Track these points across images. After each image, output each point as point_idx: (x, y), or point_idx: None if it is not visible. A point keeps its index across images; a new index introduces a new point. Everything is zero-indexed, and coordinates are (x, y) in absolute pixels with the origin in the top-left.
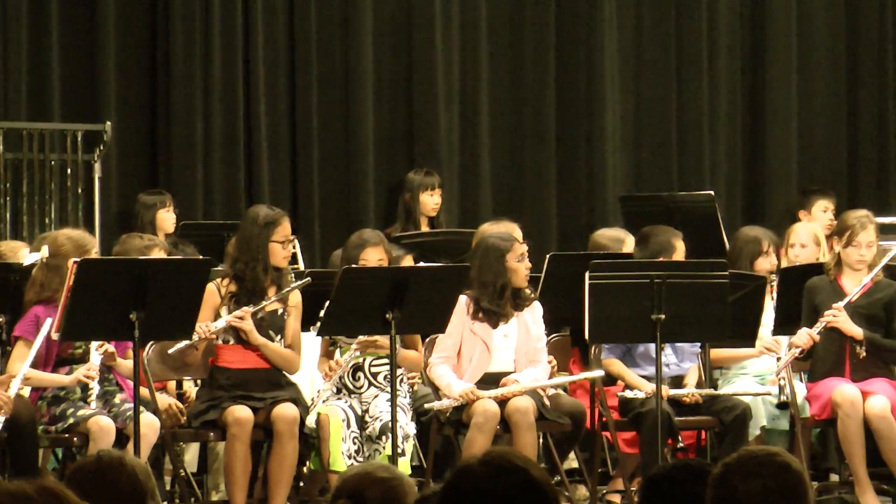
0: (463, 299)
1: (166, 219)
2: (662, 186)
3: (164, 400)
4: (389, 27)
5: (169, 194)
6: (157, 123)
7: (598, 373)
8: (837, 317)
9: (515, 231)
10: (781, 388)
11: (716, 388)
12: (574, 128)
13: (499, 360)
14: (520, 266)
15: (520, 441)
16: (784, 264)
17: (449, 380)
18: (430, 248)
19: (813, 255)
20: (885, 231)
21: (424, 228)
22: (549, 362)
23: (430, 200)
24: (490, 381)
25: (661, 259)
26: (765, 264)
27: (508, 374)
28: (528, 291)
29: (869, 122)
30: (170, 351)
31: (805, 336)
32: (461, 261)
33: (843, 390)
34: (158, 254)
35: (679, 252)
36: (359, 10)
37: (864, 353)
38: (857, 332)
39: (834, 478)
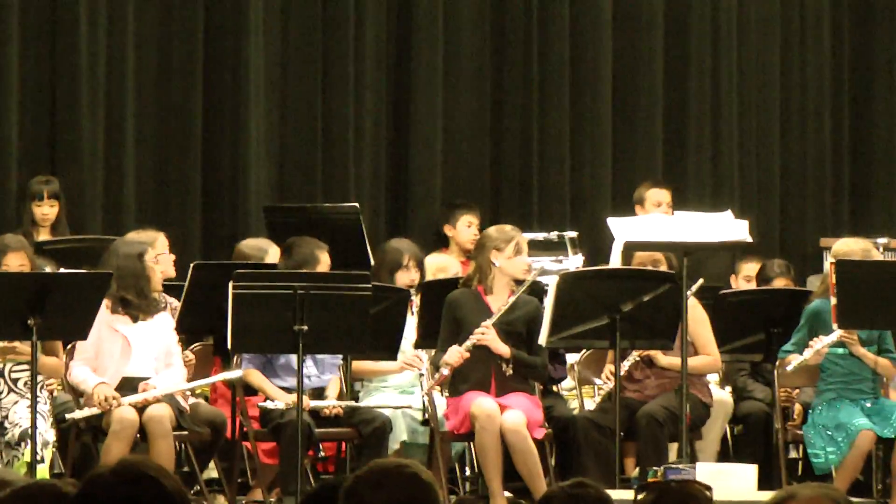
0: (104, 303)
1: None
2: (307, 198)
3: None
4: (34, 32)
5: None
6: None
7: (236, 373)
8: (486, 335)
9: (161, 239)
10: (426, 405)
11: (357, 400)
12: (219, 136)
13: (138, 358)
14: (156, 268)
15: (156, 449)
16: None
17: (85, 376)
18: (73, 255)
19: None
20: (528, 247)
21: (44, 237)
22: (187, 363)
23: (38, 211)
24: (129, 386)
25: (304, 270)
26: (404, 278)
27: (147, 378)
28: (161, 298)
29: (512, 138)
30: None
31: (456, 354)
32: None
33: (480, 404)
34: None
35: (323, 264)
36: (4, 14)
37: (511, 371)
38: (504, 350)
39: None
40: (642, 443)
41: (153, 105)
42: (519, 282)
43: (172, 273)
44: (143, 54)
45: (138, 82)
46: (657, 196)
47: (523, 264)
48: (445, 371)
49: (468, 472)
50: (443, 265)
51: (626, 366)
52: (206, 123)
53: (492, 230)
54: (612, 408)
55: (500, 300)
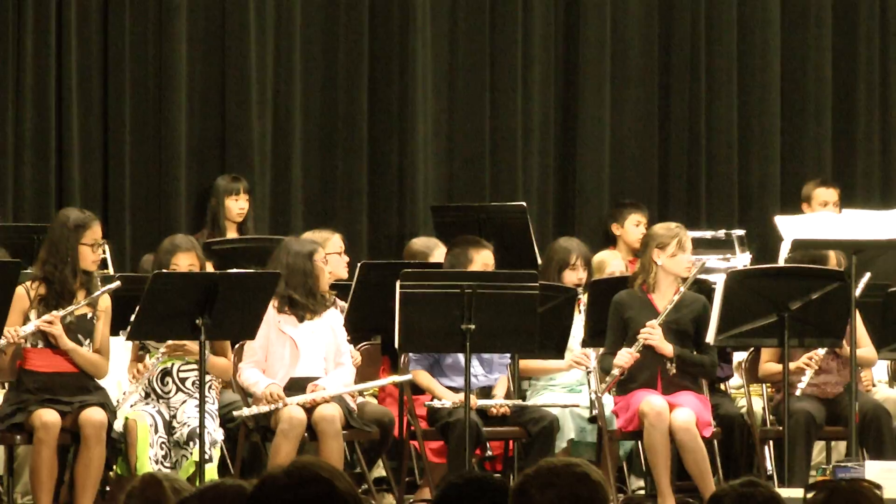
0: (272, 302)
1: None
2: (475, 197)
3: None
4: (203, 33)
5: None
6: None
7: (405, 377)
8: (653, 335)
9: (334, 239)
10: (593, 402)
11: (524, 399)
12: (386, 136)
13: (307, 359)
14: (325, 266)
15: (326, 449)
16: None
17: (256, 378)
18: (241, 255)
19: None
20: (695, 245)
21: (231, 234)
22: (354, 361)
23: (235, 206)
24: (297, 387)
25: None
26: (572, 277)
27: (315, 378)
28: (330, 295)
29: (680, 137)
30: None
31: (627, 356)
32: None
33: (650, 401)
34: None
35: (476, 263)
36: (172, 15)
37: (675, 370)
38: (668, 349)
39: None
40: (873, 437)
41: (320, 106)
42: (685, 279)
43: (344, 274)
44: (309, 56)
45: (305, 83)
46: (824, 195)
47: (686, 262)
48: (616, 373)
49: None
50: (599, 260)
51: (821, 353)
52: (373, 122)
53: (655, 228)
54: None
55: (665, 299)
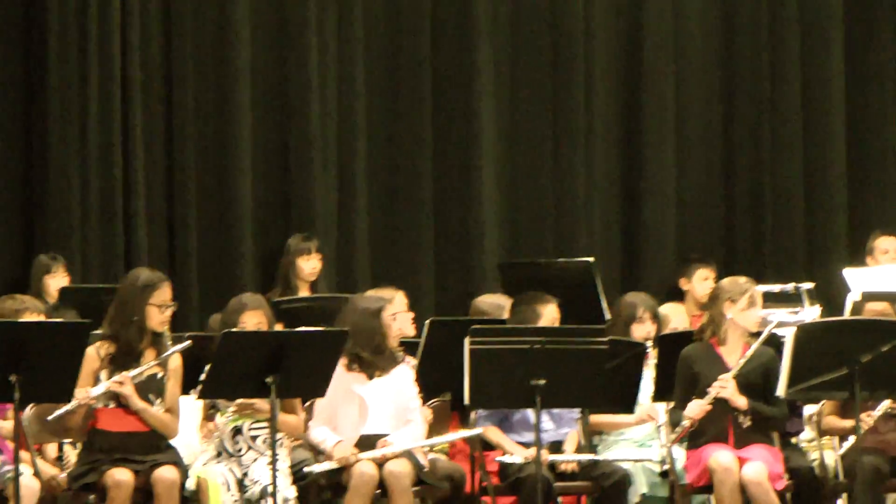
0: (340, 361)
1: (51, 284)
2: (538, 254)
3: (47, 471)
4: (266, 94)
5: (62, 259)
6: (32, 188)
7: (475, 431)
8: (726, 387)
9: (399, 297)
10: (664, 457)
11: (595, 453)
12: (451, 194)
13: (375, 417)
14: (393, 324)
15: None
16: None
17: (325, 436)
18: (308, 314)
19: None
20: (764, 299)
21: (304, 293)
22: (425, 418)
23: (307, 265)
24: (367, 444)
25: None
26: (640, 331)
27: (384, 435)
28: (399, 352)
29: (744, 189)
30: (49, 417)
31: (697, 408)
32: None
33: (718, 457)
34: (31, 316)
35: (545, 318)
36: (236, 78)
37: (749, 423)
38: (741, 402)
39: None
40: None
41: (384, 165)
42: (753, 334)
43: (411, 332)
44: (372, 115)
45: (369, 143)
46: (885, 244)
47: (756, 317)
48: (686, 423)
49: None
50: (662, 315)
51: (876, 414)
52: (437, 180)
53: (726, 282)
54: None
55: (733, 352)
